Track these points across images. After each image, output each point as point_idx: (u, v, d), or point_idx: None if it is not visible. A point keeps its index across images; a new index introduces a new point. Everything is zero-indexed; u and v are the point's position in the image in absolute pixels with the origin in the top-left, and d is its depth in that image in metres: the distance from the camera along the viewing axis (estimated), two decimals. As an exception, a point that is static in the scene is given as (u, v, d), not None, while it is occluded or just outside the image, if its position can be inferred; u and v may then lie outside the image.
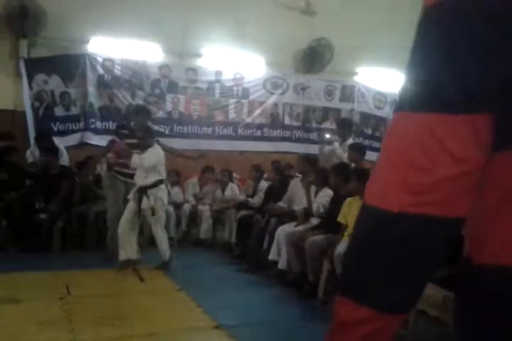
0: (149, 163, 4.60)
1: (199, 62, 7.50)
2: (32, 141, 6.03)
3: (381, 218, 0.75)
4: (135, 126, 5.10)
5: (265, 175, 6.15)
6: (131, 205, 4.67)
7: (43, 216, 5.29)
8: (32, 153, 5.85)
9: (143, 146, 4.68)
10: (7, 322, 3.13)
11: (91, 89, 6.77)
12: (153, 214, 4.59)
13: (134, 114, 5.28)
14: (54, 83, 6.58)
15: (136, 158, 4.69)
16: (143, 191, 4.59)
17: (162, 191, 4.72)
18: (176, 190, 6.49)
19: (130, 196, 4.67)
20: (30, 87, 6.48)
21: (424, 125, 0.72)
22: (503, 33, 0.67)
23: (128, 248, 4.63)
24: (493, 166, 0.73)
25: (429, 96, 0.72)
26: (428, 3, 0.73)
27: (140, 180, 4.66)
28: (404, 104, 0.76)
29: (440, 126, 0.71)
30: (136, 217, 4.68)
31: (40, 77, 6.57)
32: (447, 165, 0.71)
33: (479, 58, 0.68)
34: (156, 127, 7.03)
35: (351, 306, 0.75)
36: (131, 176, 4.81)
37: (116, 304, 3.34)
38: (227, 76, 7.61)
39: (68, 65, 6.62)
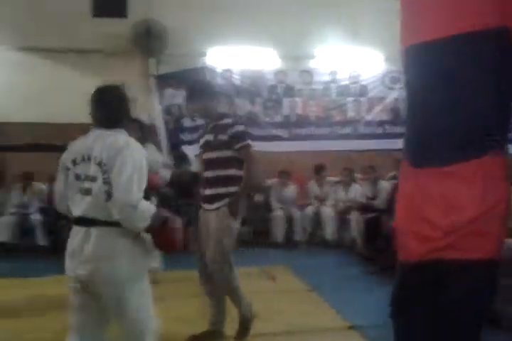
0: None
1: (313, 64, 7.48)
2: (164, 150, 6.49)
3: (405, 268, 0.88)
4: None
5: (391, 174, 5.89)
6: None
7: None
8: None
9: None
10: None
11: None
12: None
13: None
14: (181, 96, 7.03)
15: None
16: None
17: None
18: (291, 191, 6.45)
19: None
20: (160, 102, 7.01)
21: None
22: None
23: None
24: None
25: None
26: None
27: None
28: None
29: None
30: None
31: (168, 92, 7.06)
32: None
33: None
34: (274, 131, 7.17)
35: None
36: None
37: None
38: (343, 75, 7.47)
39: (191, 79, 7.03)
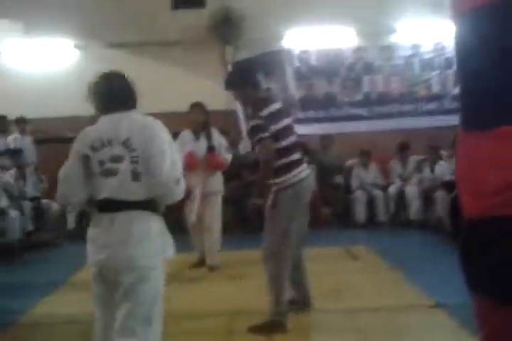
0: None
1: (394, 39, 7.21)
2: (243, 135, 6.67)
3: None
4: None
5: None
6: None
7: (259, 201, 5.80)
8: (244, 146, 6.47)
9: None
10: (235, 296, 3.51)
11: (289, 81, 7.12)
12: None
13: None
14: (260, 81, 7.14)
15: None
16: None
17: None
18: (372, 173, 6.37)
19: None
20: (239, 88, 7.17)
21: None
22: None
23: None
24: None
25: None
26: None
27: None
28: None
29: None
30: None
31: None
32: None
33: None
34: (353, 111, 7.06)
35: None
36: None
37: (335, 280, 3.42)
38: (426, 48, 7.15)
39: (269, 62, 7.10)
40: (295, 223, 2.90)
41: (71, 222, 6.11)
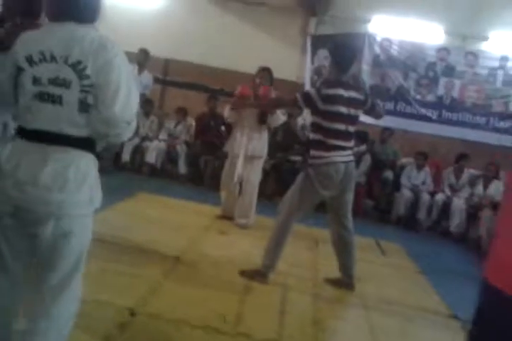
0: None
1: (482, 46, 6.90)
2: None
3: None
4: None
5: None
6: None
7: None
8: (303, 119, 6.40)
9: None
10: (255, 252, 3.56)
11: (365, 67, 6.95)
12: None
13: None
14: (333, 59, 7.00)
15: None
16: None
17: None
18: (423, 176, 6.22)
19: None
20: (312, 62, 7.05)
21: None
22: None
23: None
24: None
25: None
26: None
27: None
28: None
29: None
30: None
31: (322, 53, 7.06)
32: None
33: None
34: (423, 110, 6.85)
35: None
36: None
37: (358, 269, 3.43)
38: (515, 63, 6.79)
39: (341, 41, 6.92)
40: (311, 200, 3.12)
41: None
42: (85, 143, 1.60)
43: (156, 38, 6.70)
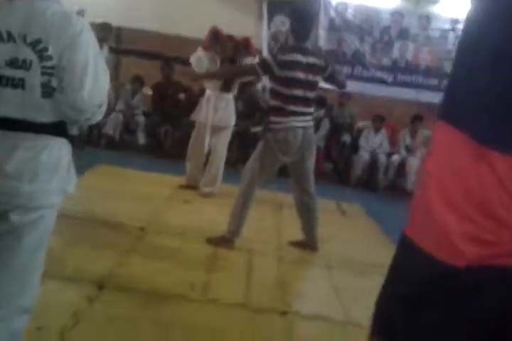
0: None
1: (434, 9, 6.99)
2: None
3: (443, 272, 0.70)
4: None
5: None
6: None
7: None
8: (263, 87, 6.37)
9: None
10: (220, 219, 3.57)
11: (321, 32, 6.92)
12: None
13: None
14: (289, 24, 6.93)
15: None
16: None
17: None
18: (380, 138, 6.39)
19: None
20: (269, 28, 6.96)
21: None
22: None
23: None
24: None
25: None
26: None
27: None
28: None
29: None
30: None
31: (278, 19, 6.98)
32: None
33: None
34: (379, 74, 6.94)
35: None
36: None
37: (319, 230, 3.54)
38: (465, 25, 6.94)
39: (300, 7, 6.84)
40: (271, 165, 3.16)
41: None
42: (56, 128, 1.48)
43: (106, 5, 6.40)
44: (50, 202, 1.50)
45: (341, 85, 3.36)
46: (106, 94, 1.51)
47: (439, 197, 0.74)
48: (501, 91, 0.67)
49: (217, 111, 4.31)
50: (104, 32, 5.69)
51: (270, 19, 6.96)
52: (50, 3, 1.43)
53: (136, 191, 4.22)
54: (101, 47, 5.69)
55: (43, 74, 1.40)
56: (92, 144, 6.07)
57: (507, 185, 0.65)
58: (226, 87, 4.28)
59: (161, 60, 6.51)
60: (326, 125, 6.26)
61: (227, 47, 4.30)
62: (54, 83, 1.42)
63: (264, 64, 3.05)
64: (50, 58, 1.40)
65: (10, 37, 1.38)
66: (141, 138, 6.18)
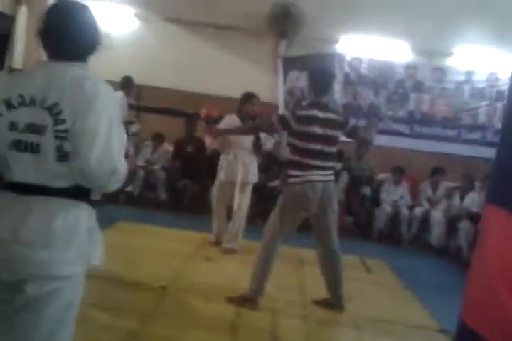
0: None
1: (448, 62, 7.15)
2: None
3: None
4: None
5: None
6: None
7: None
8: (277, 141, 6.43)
9: None
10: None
11: (337, 86, 7.08)
12: None
13: None
14: (305, 80, 7.11)
15: None
16: None
17: None
18: (401, 191, 6.31)
19: None
20: (285, 83, 7.16)
21: None
22: None
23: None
24: None
25: None
26: None
27: None
28: None
29: None
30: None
31: (293, 74, 7.20)
32: None
33: None
34: (395, 126, 7.00)
35: None
36: None
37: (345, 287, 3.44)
38: (480, 77, 7.05)
39: (319, 63, 7.06)
40: (291, 220, 3.12)
41: None
42: (74, 192, 1.41)
43: (127, 64, 6.69)
44: (68, 271, 1.38)
45: (363, 141, 3.39)
46: (122, 161, 1.43)
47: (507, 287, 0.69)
48: None
49: (246, 168, 4.38)
50: (125, 84, 5.89)
51: (286, 75, 7.17)
52: (70, 68, 1.43)
53: (157, 248, 4.18)
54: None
55: (56, 137, 1.37)
56: (109, 201, 6.11)
57: None
58: (256, 145, 4.36)
59: (180, 117, 6.69)
60: (344, 178, 6.24)
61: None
62: (67, 147, 1.37)
63: (282, 119, 3.11)
64: (64, 122, 1.36)
65: (32, 101, 1.38)
66: (162, 194, 6.21)
